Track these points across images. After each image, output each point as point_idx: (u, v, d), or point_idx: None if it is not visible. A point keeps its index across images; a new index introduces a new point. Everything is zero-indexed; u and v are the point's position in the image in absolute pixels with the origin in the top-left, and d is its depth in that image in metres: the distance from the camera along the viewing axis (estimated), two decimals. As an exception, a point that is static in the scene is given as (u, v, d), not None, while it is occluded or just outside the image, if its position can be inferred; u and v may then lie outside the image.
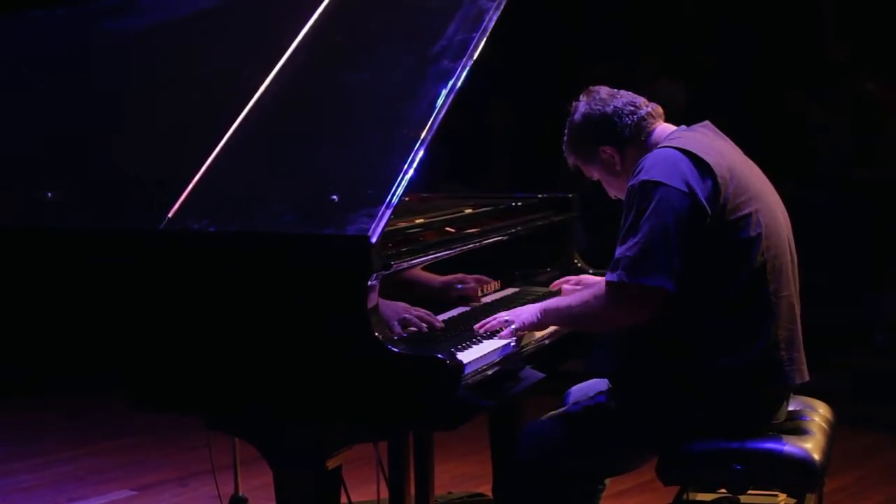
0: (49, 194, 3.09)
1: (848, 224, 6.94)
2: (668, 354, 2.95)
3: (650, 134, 3.10)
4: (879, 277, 6.96)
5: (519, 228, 3.68)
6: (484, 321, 3.10)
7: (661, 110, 3.16)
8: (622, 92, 3.16)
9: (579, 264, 4.01)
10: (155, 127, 3.21)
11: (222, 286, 2.78)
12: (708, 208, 2.87)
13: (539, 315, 3.07)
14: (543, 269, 3.89)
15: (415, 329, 2.97)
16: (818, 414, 3.19)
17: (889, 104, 7.34)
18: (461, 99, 2.98)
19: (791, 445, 2.95)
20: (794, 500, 3.08)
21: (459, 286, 3.26)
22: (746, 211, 2.92)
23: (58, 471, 5.41)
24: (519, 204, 3.92)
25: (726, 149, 3.04)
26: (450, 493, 4.45)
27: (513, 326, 3.06)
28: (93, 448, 5.73)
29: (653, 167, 2.90)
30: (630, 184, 2.94)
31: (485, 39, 3.09)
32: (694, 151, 2.91)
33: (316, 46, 3.22)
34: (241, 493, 4.18)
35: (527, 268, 3.80)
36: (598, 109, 3.11)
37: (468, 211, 3.69)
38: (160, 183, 2.98)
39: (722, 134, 3.11)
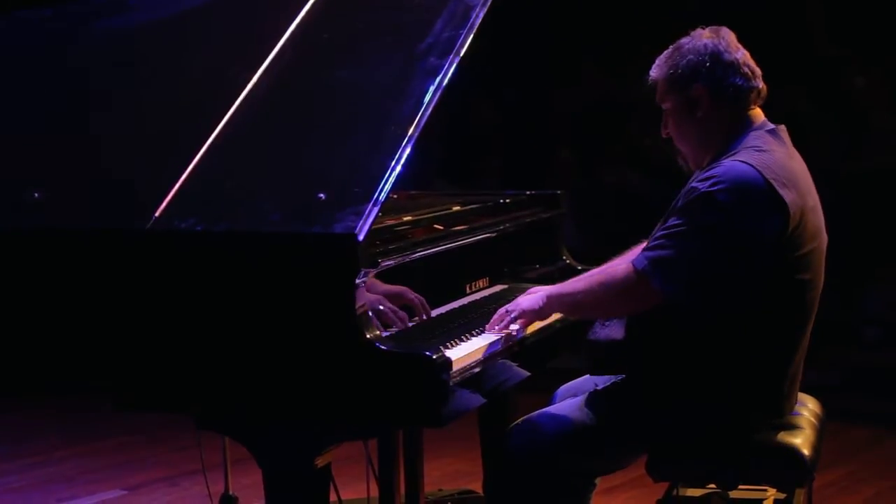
0: (36, 194, 3.09)
1: (837, 219, 6.93)
2: (677, 367, 2.93)
3: (747, 112, 2.96)
4: (870, 272, 6.98)
5: (507, 225, 3.68)
6: (493, 323, 3.07)
7: (765, 92, 3.01)
8: (746, 51, 2.99)
9: (568, 261, 4.01)
10: (142, 126, 3.20)
11: (210, 286, 2.78)
12: (763, 245, 2.78)
13: (542, 302, 3.05)
14: (532, 265, 3.88)
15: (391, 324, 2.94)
16: (808, 409, 3.19)
17: (877, 99, 7.36)
18: (449, 96, 2.98)
19: (780, 440, 2.95)
20: (784, 496, 3.08)
21: (379, 308, 2.99)
22: (806, 250, 2.85)
23: (48, 471, 5.40)
24: (507, 201, 3.91)
25: (802, 171, 2.93)
26: (440, 490, 4.45)
27: (514, 315, 3.04)
28: (83, 448, 5.72)
29: (725, 184, 2.78)
30: (694, 185, 2.83)
31: (472, 36, 3.09)
32: (774, 183, 2.78)
33: (303, 44, 3.21)
34: (231, 492, 4.17)
35: (515, 264, 3.79)
36: (721, 51, 2.93)
37: (456, 208, 3.68)
38: (147, 182, 2.97)
39: (791, 145, 2.99)
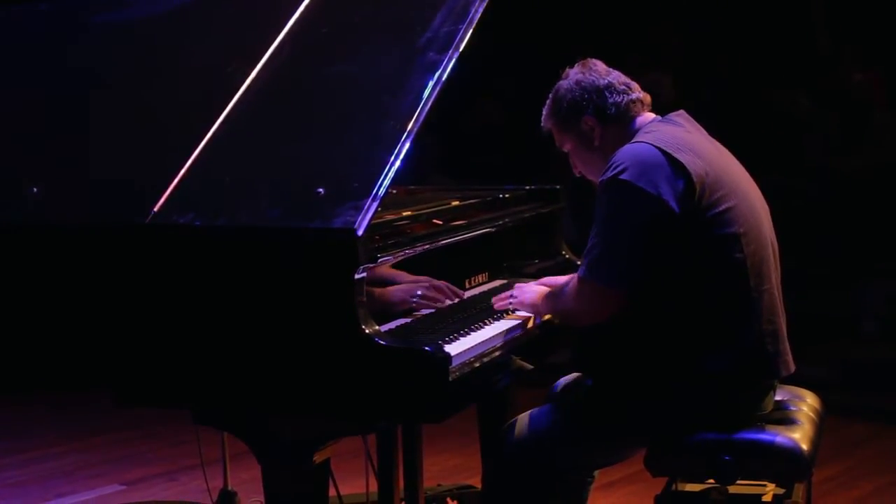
0: (34, 189, 3.08)
1: (835, 214, 6.95)
2: (653, 352, 2.95)
3: (634, 119, 3.09)
4: (867, 266, 6.98)
5: (507, 220, 3.68)
6: (499, 297, 3.23)
7: (649, 99, 3.15)
8: (617, 71, 3.16)
9: (567, 255, 4.01)
10: (140, 121, 3.19)
11: (209, 280, 2.78)
12: (677, 210, 2.83)
13: (538, 302, 3.13)
14: (531, 260, 3.88)
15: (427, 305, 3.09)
16: (806, 404, 3.20)
17: (875, 95, 7.36)
18: (447, 91, 2.97)
19: (779, 436, 2.95)
20: (783, 490, 3.08)
21: (419, 293, 3.14)
22: (724, 207, 2.90)
23: (46, 466, 5.40)
24: (506, 196, 3.91)
25: (701, 141, 3.01)
26: (439, 485, 4.45)
27: (512, 302, 3.18)
28: (81, 443, 5.72)
29: (624, 164, 2.87)
30: (601, 179, 2.93)
31: (471, 31, 3.09)
32: (668, 150, 2.88)
33: (302, 39, 3.21)
34: (229, 487, 4.18)
35: (515, 259, 3.79)
36: (592, 80, 3.11)
37: (455, 203, 3.68)
38: (146, 177, 2.97)
39: (697, 124, 3.09)
